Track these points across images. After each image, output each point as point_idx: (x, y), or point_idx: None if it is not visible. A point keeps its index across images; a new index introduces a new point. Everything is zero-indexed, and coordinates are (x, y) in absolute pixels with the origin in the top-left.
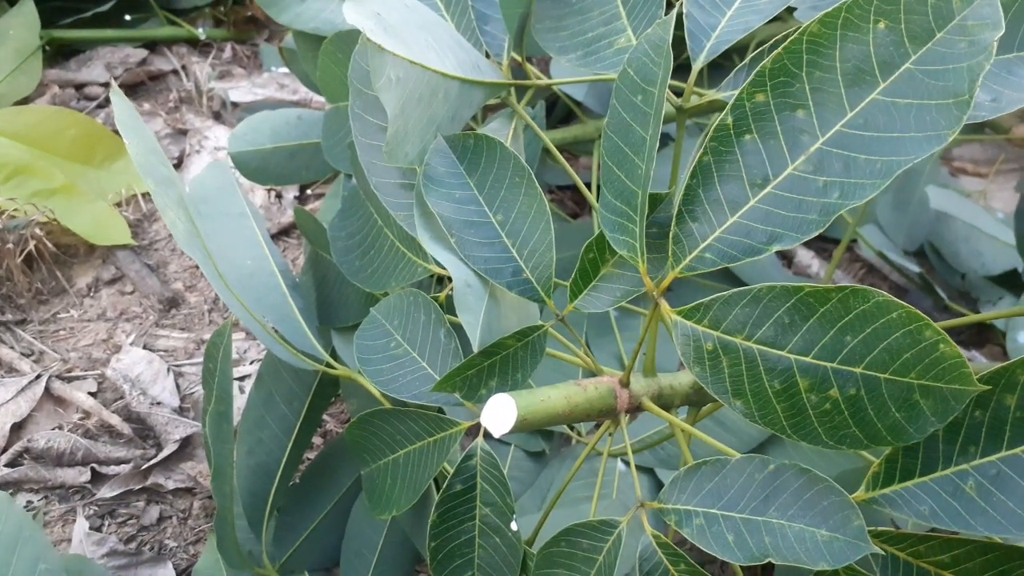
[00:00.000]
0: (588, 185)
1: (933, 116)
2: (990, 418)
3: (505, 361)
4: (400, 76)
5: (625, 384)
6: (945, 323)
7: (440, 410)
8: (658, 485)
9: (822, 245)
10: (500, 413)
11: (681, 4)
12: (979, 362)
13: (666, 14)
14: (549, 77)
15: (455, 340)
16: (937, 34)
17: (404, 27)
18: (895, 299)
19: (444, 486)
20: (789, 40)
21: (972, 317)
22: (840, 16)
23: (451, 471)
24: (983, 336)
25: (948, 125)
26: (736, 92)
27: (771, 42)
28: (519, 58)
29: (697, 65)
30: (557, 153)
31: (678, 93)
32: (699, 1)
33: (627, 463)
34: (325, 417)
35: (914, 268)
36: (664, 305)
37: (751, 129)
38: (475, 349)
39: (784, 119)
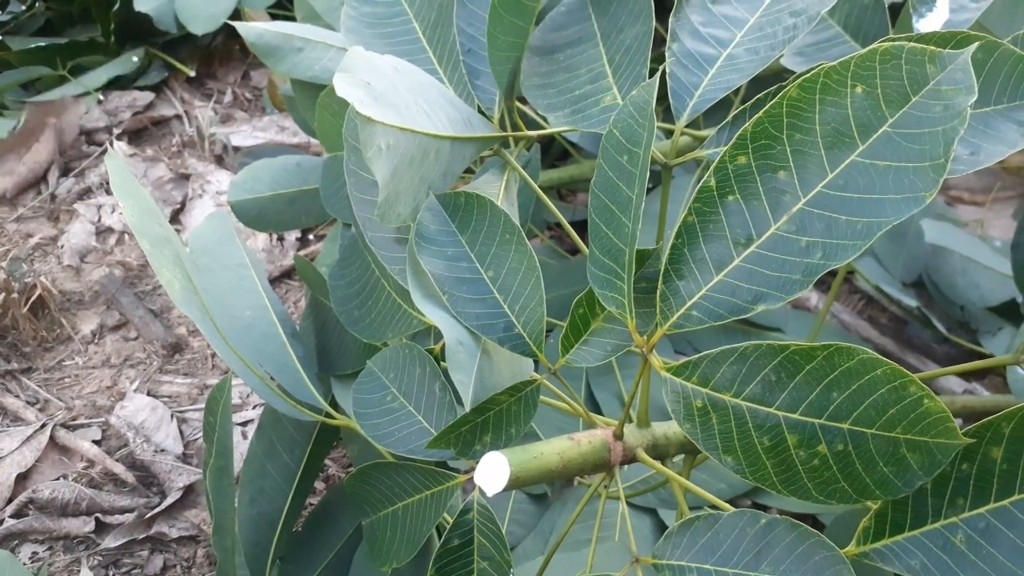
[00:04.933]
0: (586, 222)
1: (911, 178)
2: (977, 471)
3: (499, 416)
4: (391, 143)
5: (619, 437)
6: (956, 368)
7: (442, 462)
8: (660, 526)
9: (822, 277)
10: (494, 471)
11: (665, 64)
12: (981, 394)
13: (651, 73)
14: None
15: (450, 393)
16: (912, 98)
17: (394, 93)
18: (879, 356)
19: (442, 540)
20: (770, 104)
21: (979, 364)
22: (819, 81)
23: (451, 522)
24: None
25: (925, 187)
26: (720, 152)
27: (752, 102)
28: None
29: (680, 123)
30: (548, 200)
31: (669, 133)
32: (682, 61)
33: (630, 505)
34: (327, 462)
35: (911, 302)
36: (654, 361)
37: (734, 190)
38: (467, 408)
39: (766, 180)
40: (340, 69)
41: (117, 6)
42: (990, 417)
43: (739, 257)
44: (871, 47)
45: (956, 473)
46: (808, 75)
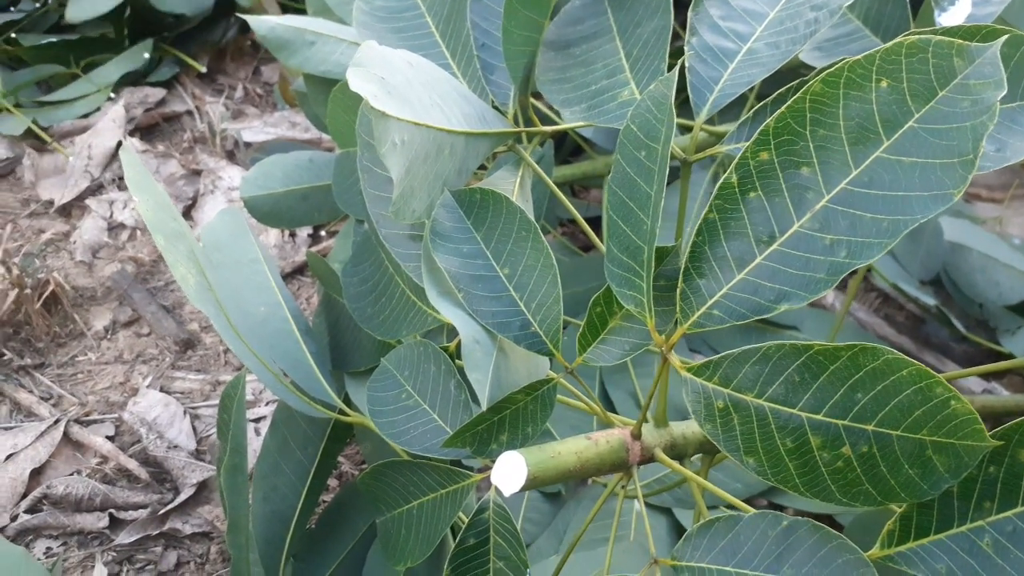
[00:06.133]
0: (599, 219)
1: (938, 175)
2: (1005, 473)
3: (515, 415)
4: (405, 139)
5: (637, 436)
6: (976, 369)
7: (456, 460)
8: (676, 526)
9: None
10: (511, 471)
11: (683, 58)
12: (1000, 394)
13: (669, 68)
14: (556, 112)
15: (465, 391)
16: (939, 93)
17: (408, 88)
18: (905, 357)
19: (457, 540)
20: (792, 99)
21: (1002, 365)
22: (843, 75)
23: (466, 521)
24: None
25: (953, 184)
26: (741, 148)
27: (774, 97)
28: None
29: (700, 118)
30: (563, 196)
31: (688, 128)
32: (701, 55)
33: (645, 504)
34: (340, 459)
35: (929, 300)
36: (673, 360)
37: (756, 187)
38: (483, 407)
39: (789, 177)
40: (354, 64)
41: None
42: (1019, 419)
43: (761, 255)
44: (897, 40)
45: (983, 476)
46: (832, 69)
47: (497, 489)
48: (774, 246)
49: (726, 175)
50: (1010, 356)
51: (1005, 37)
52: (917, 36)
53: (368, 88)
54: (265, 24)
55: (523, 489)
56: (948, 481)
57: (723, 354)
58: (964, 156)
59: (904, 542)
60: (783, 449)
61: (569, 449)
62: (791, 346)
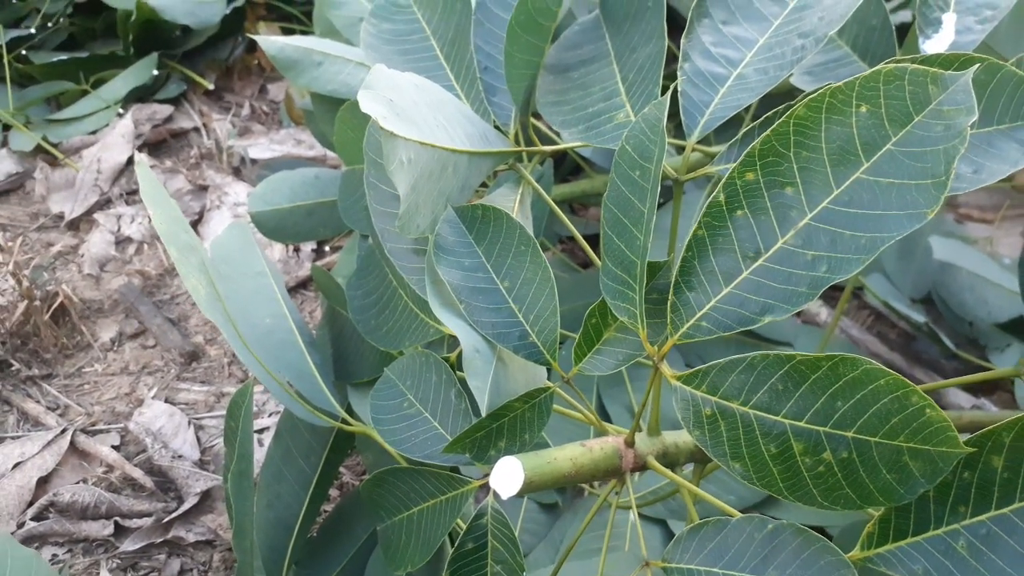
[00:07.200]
0: (597, 236)
1: (913, 195)
2: (979, 479)
3: (513, 423)
4: (411, 157)
5: (630, 444)
6: (956, 380)
7: (455, 467)
8: (670, 536)
9: (831, 293)
10: (508, 476)
11: (677, 82)
12: (989, 410)
13: (663, 91)
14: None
15: (466, 400)
16: (915, 118)
17: (415, 109)
18: (882, 367)
19: (456, 544)
20: (778, 123)
21: (982, 376)
22: (825, 101)
23: (464, 527)
24: (993, 382)
25: (927, 204)
26: (729, 168)
27: (761, 120)
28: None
29: (692, 140)
30: (562, 214)
31: (681, 149)
32: (693, 80)
33: (640, 515)
34: (341, 469)
35: (919, 318)
36: (664, 370)
37: (742, 205)
38: (483, 413)
39: (773, 196)
40: (364, 86)
41: (134, 16)
42: (991, 427)
43: (747, 270)
44: (875, 68)
45: (958, 481)
46: (814, 95)
47: (495, 493)
48: (759, 261)
49: (714, 194)
50: None
51: (977, 66)
52: (895, 64)
53: (378, 109)
54: (275, 45)
55: (520, 494)
56: (924, 485)
57: (711, 364)
58: (937, 178)
59: (883, 544)
60: (767, 454)
61: (565, 455)
62: (775, 356)
